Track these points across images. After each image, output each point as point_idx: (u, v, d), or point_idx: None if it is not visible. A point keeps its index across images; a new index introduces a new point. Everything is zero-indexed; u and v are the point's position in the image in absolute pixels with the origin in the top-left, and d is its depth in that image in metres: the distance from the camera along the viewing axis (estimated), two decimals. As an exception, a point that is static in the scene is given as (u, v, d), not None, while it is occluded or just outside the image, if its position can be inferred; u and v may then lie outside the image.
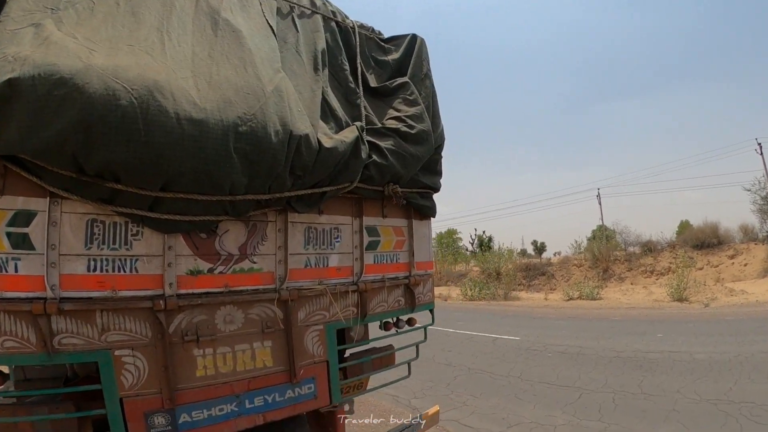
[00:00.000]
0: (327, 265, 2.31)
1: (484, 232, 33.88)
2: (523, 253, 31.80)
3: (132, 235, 1.69)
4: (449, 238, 34.98)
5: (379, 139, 2.42)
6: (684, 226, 24.72)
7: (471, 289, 19.09)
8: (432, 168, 2.92)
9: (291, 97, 2.01)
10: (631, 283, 18.01)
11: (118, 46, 1.62)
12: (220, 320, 1.85)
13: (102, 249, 1.63)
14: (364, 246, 2.49)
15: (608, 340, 8.15)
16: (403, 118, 2.57)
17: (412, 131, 2.56)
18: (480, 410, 4.87)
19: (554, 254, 31.91)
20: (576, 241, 26.04)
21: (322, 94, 2.25)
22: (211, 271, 1.85)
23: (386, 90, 2.70)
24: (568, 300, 16.34)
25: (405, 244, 2.77)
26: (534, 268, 22.10)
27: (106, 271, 1.63)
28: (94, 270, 1.61)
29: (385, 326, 2.74)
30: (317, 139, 2.00)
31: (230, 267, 1.91)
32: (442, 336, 9.15)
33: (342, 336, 2.54)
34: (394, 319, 2.76)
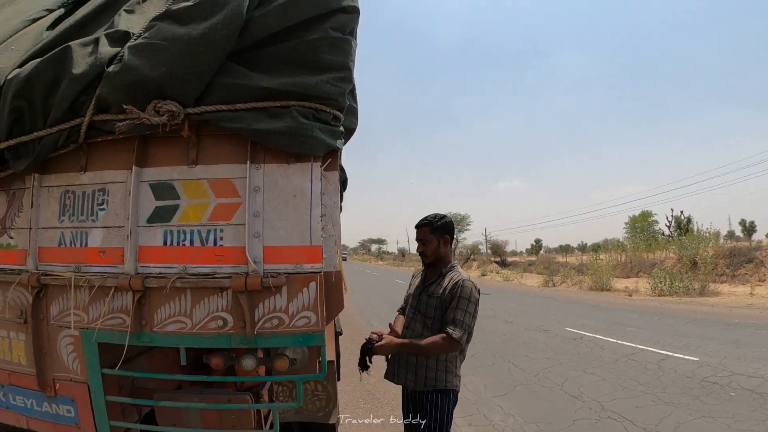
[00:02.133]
0: (86, 245, 1.59)
1: (681, 212, 28.14)
2: (730, 235, 28.92)
3: None
4: (643, 221, 32.17)
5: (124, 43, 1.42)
6: None
7: (660, 282, 15.46)
8: (301, 55, 1.42)
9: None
10: None
11: None
12: (-14, 300, 1.74)
13: None
14: (147, 215, 1.51)
15: None
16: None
17: (185, 3, 1.32)
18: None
19: (766, 235, 27.31)
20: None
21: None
22: (-21, 247, 1.77)
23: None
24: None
25: (238, 210, 1.42)
26: (739, 254, 17.09)
27: None
28: None
29: (210, 363, 1.52)
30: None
31: None
32: (594, 349, 6.98)
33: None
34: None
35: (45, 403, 1.64)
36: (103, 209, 1.58)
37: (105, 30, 1.56)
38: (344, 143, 1.98)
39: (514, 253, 55.09)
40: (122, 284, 1.46)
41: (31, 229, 1.65)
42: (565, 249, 61.84)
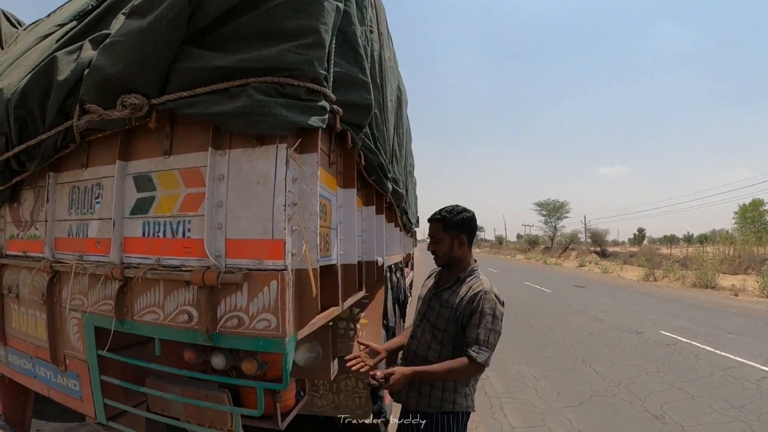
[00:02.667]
0: (87, 235, 1.69)
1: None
2: None
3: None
4: (754, 211, 29.07)
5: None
6: None
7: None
8: (259, 26, 1.34)
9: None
10: None
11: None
12: (22, 283, 1.95)
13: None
14: (130, 207, 1.56)
15: None
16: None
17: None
18: None
19: None
20: None
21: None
22: (18, 236, 1.99)
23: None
24: None
25: (204, 200, 1.40)
26: None
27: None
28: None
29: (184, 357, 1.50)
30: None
31: (26, 233, 1.95)
32: (688, 359, 5.96)
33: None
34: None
35: (59, 376, 1.80)
36: (98, 202, 1.66)
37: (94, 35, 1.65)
38: (359, 122, 1.82)
39: (615, 243, 51.38)
40: (107, 273, 1.52)
41: (47, 221, 1.81)
42: (670, 240, 56.17)
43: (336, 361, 2.01)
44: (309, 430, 3.07)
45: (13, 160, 1.80)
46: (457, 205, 2.03)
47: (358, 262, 2.61)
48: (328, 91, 1.46)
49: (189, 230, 1.42)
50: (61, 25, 1.96)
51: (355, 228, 2.00)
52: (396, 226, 5.04)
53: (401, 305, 5.18)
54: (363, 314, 2.89)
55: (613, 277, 22.10)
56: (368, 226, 2.74)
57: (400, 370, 1.79)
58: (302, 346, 1.95)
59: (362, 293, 2.59)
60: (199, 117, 1.35)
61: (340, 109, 1.61)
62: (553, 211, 55.24)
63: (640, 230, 58.73)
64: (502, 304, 1.92)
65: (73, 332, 1.71)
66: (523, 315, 9.46)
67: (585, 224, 46.35)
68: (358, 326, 2.74)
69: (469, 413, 1.94)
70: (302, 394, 2.46)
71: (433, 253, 2.04)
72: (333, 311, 1.82)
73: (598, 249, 39.21)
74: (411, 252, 9.36)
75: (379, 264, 2.83)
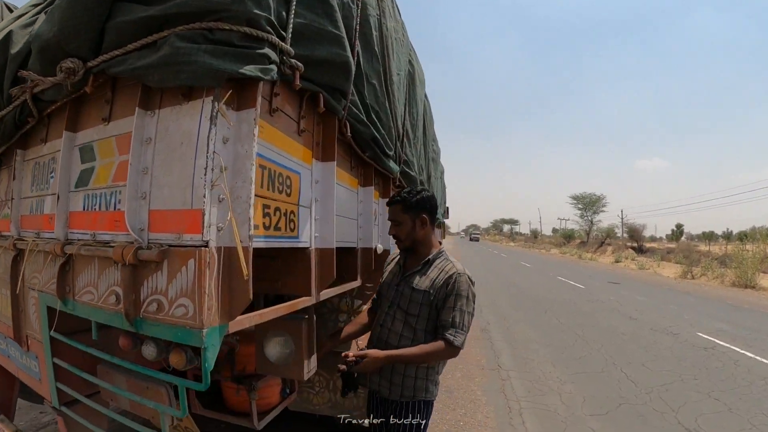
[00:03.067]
0: (42, 212, 1.61)
1: None
2: None
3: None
4: None
5: None
6: None
7: None
8: None
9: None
10: None
11: None
12: (-1, 262, 1.92)
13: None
14: (75, 179, 1.44)
15: None
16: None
17: None
18: None
19: None
20: None
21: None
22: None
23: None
24: None
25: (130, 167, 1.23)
26: None
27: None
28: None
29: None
30: None
31: (1, 212, 1.91)
32: (727, 365, 5.36)
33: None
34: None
35: (23, 356, 1.75)
36: (52, 177, 1.57)
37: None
38: (336, 84, 1.63)
39: (652, 239, 49.97)
40: (51, 250, 1.42)
41: (13, 199, 1.76)
42: (709, 236, 54.54)
43: (313, 358, 1.81)
44: (307, 429, 2.94)
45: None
46: (415, 187, 1.97)
47: (353, 248, 2.40)
48: (275, 39, 1.26)
49: (119, 201, 1.28)
50: (36, 5, 1.89)
51: (334, 208, 1.78)
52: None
53: None
54: (367, 306, 2.69)
55: (649, 273, 20.78)
56: (365, 209, 2.52)
57: (373, 353, 1.74)
58: (275, 339, 1.78)
59: (356, 283, 2.38)
60: (123, 74, 1.22)
61: (300, 64, 1.39)
62: (589, 204, 53.76)
63: (678, 226, 55.22)
64: (473, 283, 1.85)
65: (32, 312, 1.65)
66: (552, 312, 8.95)
67: (622, 219, 44.72)
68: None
69: (434, 402, 1.89)
70: (287, 391, 2.31)
71: (395, 237, 1.94)
72: (302, 302, 1.62)
73: (635, 244, 37.96)
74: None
75: (379, 251, 2.62)
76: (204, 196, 1.10)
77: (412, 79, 3.63)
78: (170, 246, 1.13)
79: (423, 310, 1.80)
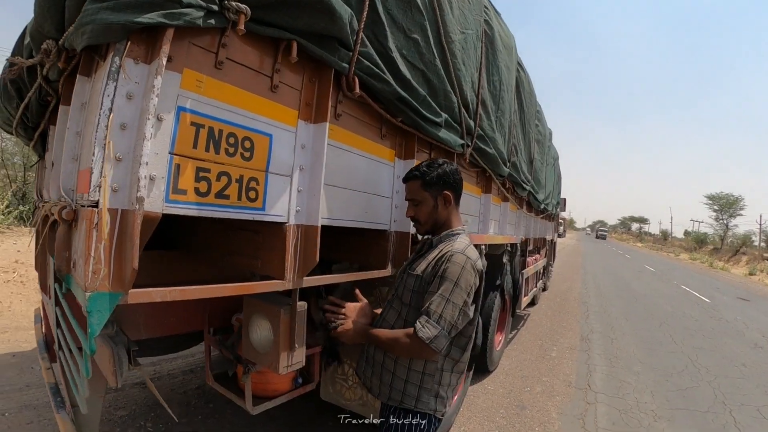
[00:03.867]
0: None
1: None
2: None
3: None
4: None
5: None
6: None
7: None
8: None
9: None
10: None
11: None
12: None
13: None
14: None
15: None
16: None
17: None
18: None
19: None
20: None
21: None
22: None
23: None
24: None
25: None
26: None
27: None
28: None
29: None
30: None
31: None
32: None
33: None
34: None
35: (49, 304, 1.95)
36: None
37: None
38: (313, 28, 1.37)
39: None
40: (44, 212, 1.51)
41: (47, 169, 1.95)
42: None
43: (298, 353, 1.57)
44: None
45: (25, 120, 2.03)
46: (436, 159, 1.67)
47: (384, 231, 2.09)
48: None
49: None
50: None
51: (321, 178, 1.49)
52: (504, 201, 4.15)
53: (504, 293, 4.41)
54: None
55: (787, 293, 16.48)
56: (402, 187, 2.17)
57: (353, 324, 1.57)
58: (257, 323, 1.60)
59: (384, 272, 2.06)
60: (71, 47, 1.20)
61: (245, 7, 1.17)
62: (725, 206, 47.51)
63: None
64: (479, 273, 1.47)
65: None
66: (667, 327, 7.54)
67: (760, 225, 38.77)
68: None
69: (440, 420, 1.52)
70: (299, 381, 2.13)
71: (413, 219, 1.66)
72: (270, 285, 1.40)
73: (776, 256, 31.52)
74: (547, 237, 8.32)
75: (420, 237, 2.24)
76: (93, 155, 1.01)
77: (491, 42, 3.09)
78: (80, 206, 1.08)
79: (414, 299, 1.52)
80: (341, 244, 2.33)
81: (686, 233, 68.43)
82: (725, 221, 47.32)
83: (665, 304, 10.00)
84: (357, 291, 1.74)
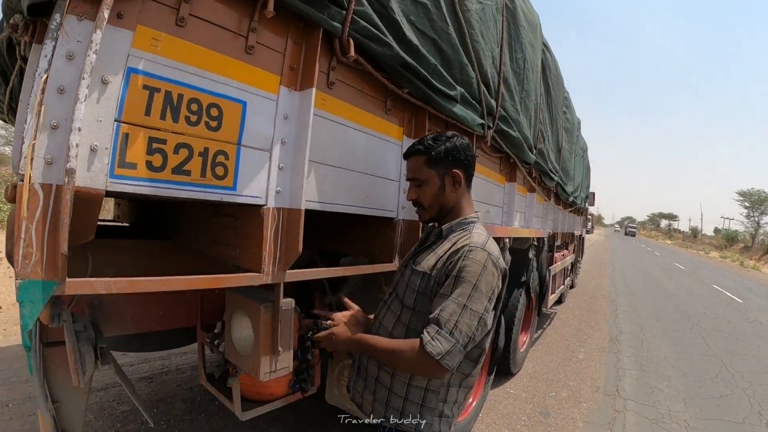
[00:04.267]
0: None
1: None
2: None
3: None
4: None
5: None
6: None
7: None
8: None
9: None
10: None
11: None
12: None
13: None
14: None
15: None
16: None
17: None
18: None
19: None
20: None
21: None
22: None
23: None
24: None
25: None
26: None
27: None
28: None
29: None
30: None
31: None
32: None
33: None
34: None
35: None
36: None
37: None
38: None
39: None
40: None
41: None
42: None
43: (283, 358, 1.38)
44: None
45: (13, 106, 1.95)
46: (443, 133, 1.38)
47: (391, 219, 1.87)
48: None
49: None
50: None
51: (306, 153, 1.29)
52: (530, 191, 3.85)
53: (529, 290, 4.19)
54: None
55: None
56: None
57: (341, 327, 1.34)
58: (241, 321, 1.42)
59: (390, 266, 1.84)
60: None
61: None
62: (757, 203, 46.18)
63: None
64: (502, 273, 1.20)
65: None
66: (699, 329, 7.10)
67: None
68: None
69: None
70: (297, 386, 1.94)
71: (415, 203, 1.39)
72: (243, 278, 1.21)
73: (815, 259, 31.00)
74: (575, 232, 7.98)
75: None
76: (26, 122, 0.87)
77: (513, 16, 2.82)
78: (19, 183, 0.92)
79: (420, 302, 1.23)
80: (346, 235, 2.14)
81: (716, 231, 67.25)
82: (757, 219, 46.14)
83: (697, 305, 9.52)
84: (345, 299, 1.50)
